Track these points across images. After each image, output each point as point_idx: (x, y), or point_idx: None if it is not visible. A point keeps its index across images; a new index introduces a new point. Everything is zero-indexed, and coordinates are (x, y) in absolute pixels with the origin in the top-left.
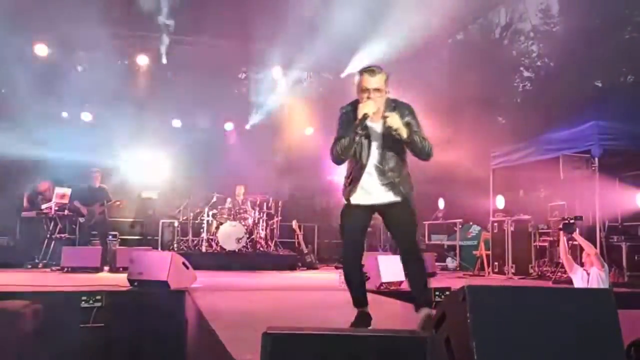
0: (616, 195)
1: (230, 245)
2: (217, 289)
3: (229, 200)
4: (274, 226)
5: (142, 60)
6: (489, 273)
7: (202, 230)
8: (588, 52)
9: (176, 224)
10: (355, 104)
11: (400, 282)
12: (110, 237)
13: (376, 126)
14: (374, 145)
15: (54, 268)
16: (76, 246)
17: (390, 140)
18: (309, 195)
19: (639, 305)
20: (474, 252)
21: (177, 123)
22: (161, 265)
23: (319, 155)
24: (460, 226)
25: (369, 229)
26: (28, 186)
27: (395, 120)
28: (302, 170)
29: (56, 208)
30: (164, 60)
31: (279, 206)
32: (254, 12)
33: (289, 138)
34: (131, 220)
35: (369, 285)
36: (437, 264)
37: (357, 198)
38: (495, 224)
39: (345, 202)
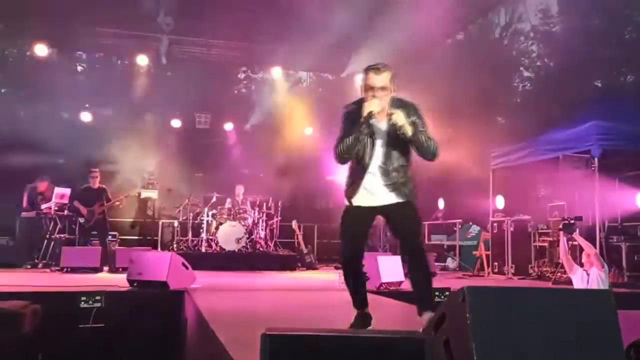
0: (616, 196)
1: (230, 246)
2: (217, 289)
3: (228, 200)
4: (274, 226)
5: (142, 60)
6: (488, 273)
7: (201, 230)
8: (588, 52)
9: (176, 224)
10: (359, 103)
11: (400, 283)
12: (109, 237)
13: (381, 125)
14: (378, 144)
15: (53, 268)
16: (76, 246)
17: (395, 140)
18: (308, 195)
19: (639, 306)
20: (474, 252)
21: (176, 123)
22: (161, 265)
23: (319, 156)
24: (460, 226)
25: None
26: (28, 186)
27: (400, 117)
28: (302, 170)
29: (56, 208)
30: (164, 61)
31: (278, 206)
32: (254, 12)
33: (289, 138)
34: (131, 220)
35: (368, 285)
36: (437, 264)
37: (360, 199)
38: (495, 224)
39: (347, 203)
